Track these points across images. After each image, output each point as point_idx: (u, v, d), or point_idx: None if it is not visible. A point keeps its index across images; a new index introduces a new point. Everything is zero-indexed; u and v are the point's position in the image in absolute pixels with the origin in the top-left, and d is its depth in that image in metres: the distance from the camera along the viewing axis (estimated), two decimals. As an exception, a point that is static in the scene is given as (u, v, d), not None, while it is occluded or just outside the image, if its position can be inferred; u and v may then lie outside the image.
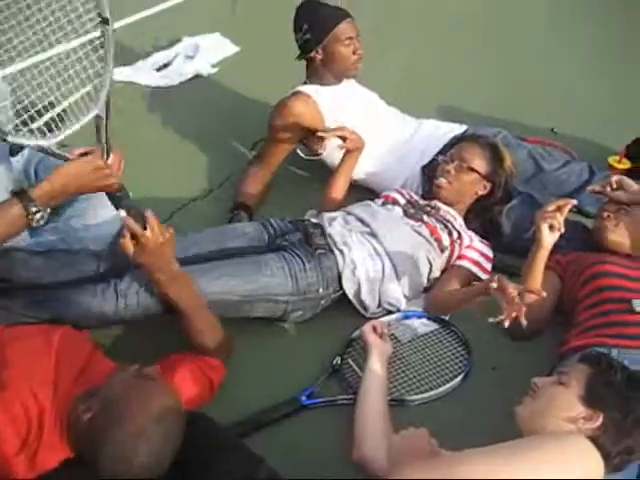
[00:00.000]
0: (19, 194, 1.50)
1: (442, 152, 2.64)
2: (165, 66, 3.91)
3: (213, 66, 3.95)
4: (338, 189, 2.55)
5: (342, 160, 2.56)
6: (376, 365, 1.92)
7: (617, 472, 1.45)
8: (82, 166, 1.56)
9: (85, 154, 1.59)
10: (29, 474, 1.38)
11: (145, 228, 1.67)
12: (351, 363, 2.06)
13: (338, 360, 2.05)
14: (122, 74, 3.83)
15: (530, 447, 1.35)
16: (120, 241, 1.70)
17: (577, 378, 1.52)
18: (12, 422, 1.38)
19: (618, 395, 1.47)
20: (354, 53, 2.66)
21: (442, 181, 2.44)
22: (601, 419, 1.43)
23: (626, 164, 2.94)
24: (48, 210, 1.52)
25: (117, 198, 1.71)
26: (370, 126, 2.69)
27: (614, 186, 2.24)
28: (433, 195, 2.49)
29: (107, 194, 1.71)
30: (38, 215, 1.51)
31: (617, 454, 1.41)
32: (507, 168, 2.46)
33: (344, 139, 2.47)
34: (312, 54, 2.65)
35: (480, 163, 2.44)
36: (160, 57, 3.98)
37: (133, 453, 1.36)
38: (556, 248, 2.29)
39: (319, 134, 2.51)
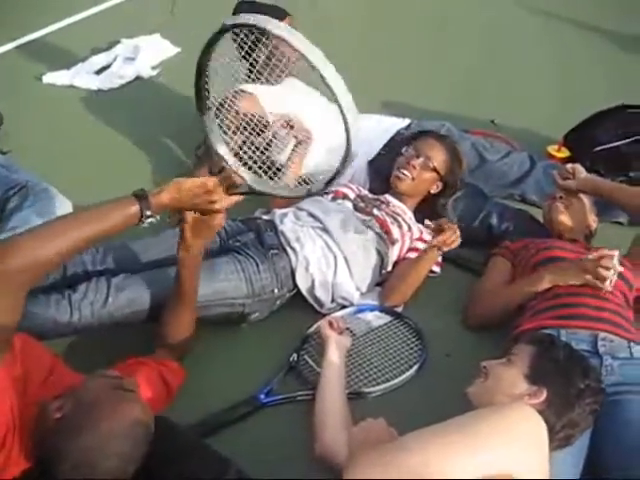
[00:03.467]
0: (139, 196, 1.51)
1: (388, 145, 2.68)
2: (104, 69, 3.85)
3: (154, 68, 3.90)
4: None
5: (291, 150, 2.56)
6: (334, 357, 1.93)
7: (563, 448, 1.52)
8: (195, 187, 1.61)
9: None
10: None
11: None
12: (307, 359, 2.07)
13: (295, 356, 2.06)
14: (61, 78, 3.77)
15: (475, 422, 1.37)
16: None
17: (522, 358, 1.59)
18: None
19: (560, 370, 1.55)
20: None
21: (405, 173, 2.46)
22: (545, 394, 1.50)
23: (564, 153, 3.02)
24: (158, 217, 1.55)
25: None
26: (313, 121, 2.70)
27: (570, 173, 2.29)
28: (385, 188, 2.51)
29: None
30: (149, 220, 1.53)
31: (561, 428, 1.48)
32: (462, 171, 2.54)
33: (291, 126, 2.47)
34: None
35: (443, 164, 2.48)
36: (99, 60, 3.92)
37: (98, 457, 1.34)
38: (505, 235, 2.36)
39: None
